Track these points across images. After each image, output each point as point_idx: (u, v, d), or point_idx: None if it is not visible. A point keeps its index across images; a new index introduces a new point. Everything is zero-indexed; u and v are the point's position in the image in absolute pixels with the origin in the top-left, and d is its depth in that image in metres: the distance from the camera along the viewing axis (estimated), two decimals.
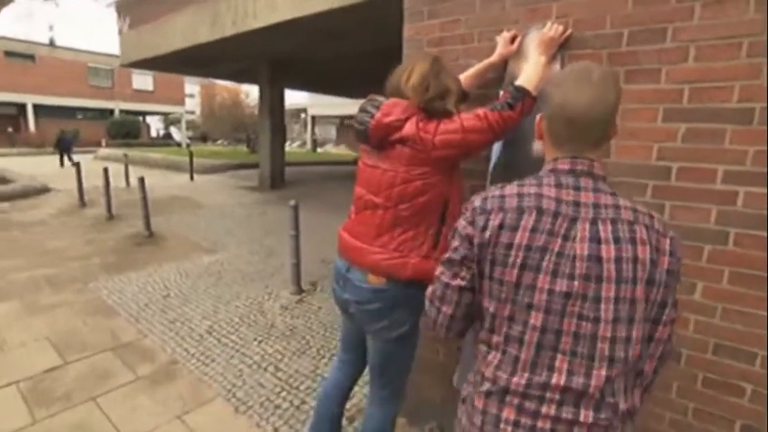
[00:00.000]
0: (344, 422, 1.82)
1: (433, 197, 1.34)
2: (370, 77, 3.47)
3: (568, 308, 0.79)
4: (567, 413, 0.80)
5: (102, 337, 2.90)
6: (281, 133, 10.91)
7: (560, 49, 1.50)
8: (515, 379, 0.83)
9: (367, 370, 1.62)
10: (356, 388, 1.76)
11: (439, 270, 0.95)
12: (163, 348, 2.80)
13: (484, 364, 0.89)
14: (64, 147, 14.92)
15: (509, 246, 0.82)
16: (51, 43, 26.12)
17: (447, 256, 0.93)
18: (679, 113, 1.32)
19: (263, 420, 2.14)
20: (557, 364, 0.80)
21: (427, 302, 0.98)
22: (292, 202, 3.75)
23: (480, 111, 1.32)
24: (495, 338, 0.87)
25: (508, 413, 0.83)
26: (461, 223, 0.91)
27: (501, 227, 0.83)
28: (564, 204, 0.82)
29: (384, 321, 1.40)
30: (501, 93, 1.54)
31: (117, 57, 10.90)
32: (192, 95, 37.02)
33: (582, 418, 0.79)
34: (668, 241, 0.82)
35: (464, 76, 1.62)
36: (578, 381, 0.79)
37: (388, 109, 1.34)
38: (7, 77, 23.29)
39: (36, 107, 24.87)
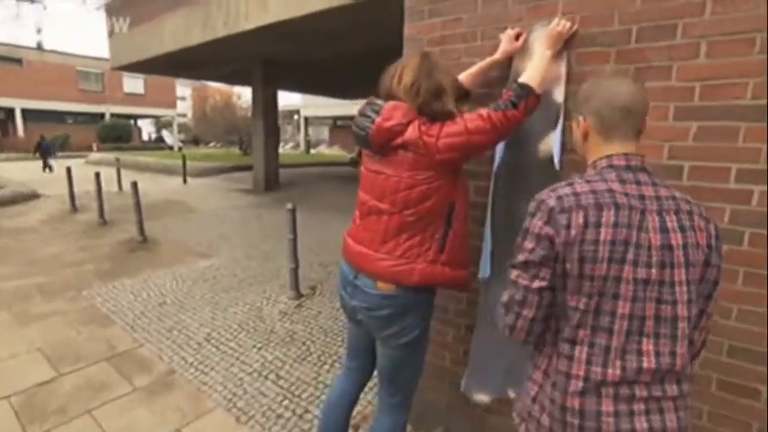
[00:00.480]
0: (349, 431, 1.77)
1: (439, 201, 1.31)
2: (366, 78, 3.43)
3: (647, 293, 0.86)
4: (656, 391, 0.87)
5: (98, 347, 2.83)
6: (275, 135, 10.82)
7: (566, 48, 1.47)
8: (610, 371, 0.87)
9: (375, 375, 1.58)
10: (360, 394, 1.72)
11: (514, 274, 0.94)
12: (160, 357, 2.73)
13: (567, 364, 0.91)
14: (44, 152, 15.12)
15: (595, 242, 0.86)
16: (39, 47, 25.78)
17: (522, 258, 0.93)
18: (690, 111, 1.29)
19: (265, 430, 2.09)
20: (643, 347, 0.87)
21: (503, 309, 0.97)
22: (289, 205, 3.70)
23: (483, 111, 1.28)
24: (582, 332, 0.89)
25: (607, 406, 0.87)
26: (536, 224, 0.91)
27: (585, 224, 0.87)
28: (632, 198, 0.89)
29: (394, 327, 1.36)
30: (504, 91, 1.51)
31: (107, 60, 10.77)
32: (183, 98, 36.73)
33: (669, 393, 0.88)
34: (713, 226, 0.92)
35: (466, 74, 1.58)
36: (665, 360, 0.87)
37: (389, 113, 1.29)
38: None
39: (24, 111, 24.53)
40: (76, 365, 2.60)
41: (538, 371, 0.99)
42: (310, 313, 3.44)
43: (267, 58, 8.83)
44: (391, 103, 1.32)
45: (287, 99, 27.66)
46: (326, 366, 2.66)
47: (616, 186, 0.89)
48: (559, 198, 0.90)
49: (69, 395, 2.31)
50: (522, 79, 1.35)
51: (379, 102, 1.35)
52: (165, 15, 7.79)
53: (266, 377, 2.54)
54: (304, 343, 2.95)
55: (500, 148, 1.66)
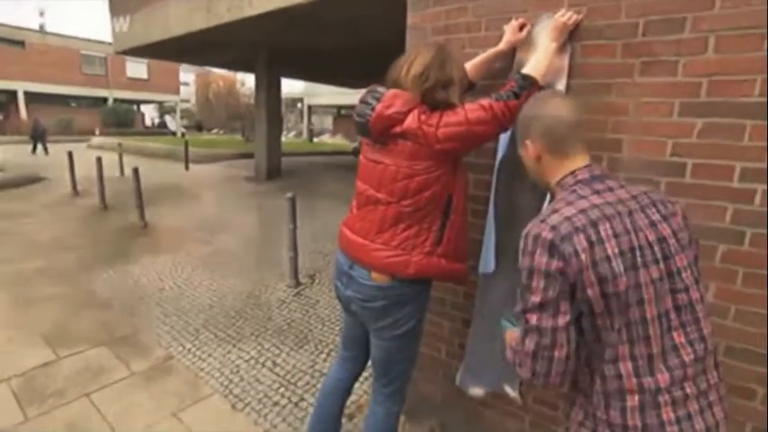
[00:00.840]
0: (343, 420, 1.79)
1: (437, 192, 1.30)
2: (371, 67, 3.39)
3: (663, 289, 0.87)
4: (702, 383, 0.88)
5: (97, 332, 2.85)
6: (278, 123, 10.75)
7: (571, 41, 1.44)
8: (659, 376, 0.86)
9: (369, 365, 1.58)
10: (356, 384, 1.73)
11: (534, 319, 0.87)
12: (158, 343, 2.75)
13: (618, 383, 0.88)
14: (38, 135, 15.56)
15: (607, 258, 0.85)
16: (41, 29, 25.58)
17: (537, 300, 0.87)
18: (696, 108, 1.26)
19: (260, 417, 2.11)
20: (676, 340, 0.88)
21: (529, 361, 0.90)
22: (290, 195, 3.69)
23: (485, 101, 1.26)
24: (621, 349, 0.87)
25: (667, 415, 0.85)
26: (540, 261, 0.86)
27: (590, 245, 0.85)
28: (615, 205, 0.90)
29: (388, 319, 1.36)
30: (507, 82, 1.49)
31: (110, 44, 10.66)
32: (186, 84, 36.47)
33: (711, 381, 0.90)
34: (677, 206, 0.96)
35: (470, 65, 1.55)
36: (699, 347, 0.88)
37: (390, 100, 1.28)
38: None
39: (27, 95, 24.41)
40: (75, 349, 2.62)
41: (579, 395, 0.95)
42: (308, 302, 3.45)
43: (271, 46, 8.74)
44: (392, 90, 1.31)
45: (290, 87, 27.44)
46: (323, 355, 2.68)
47: (595, 199, 0.90)
48: (554, 228, 0.86)
49: (68, 378, 2.34)
50: (525, 70, 1.32)
51: (381, 89, 1.33)
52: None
53: (263, 365, 2.55)
54: (301, 331, 2.96)
55: (504, 141, 1.64)
